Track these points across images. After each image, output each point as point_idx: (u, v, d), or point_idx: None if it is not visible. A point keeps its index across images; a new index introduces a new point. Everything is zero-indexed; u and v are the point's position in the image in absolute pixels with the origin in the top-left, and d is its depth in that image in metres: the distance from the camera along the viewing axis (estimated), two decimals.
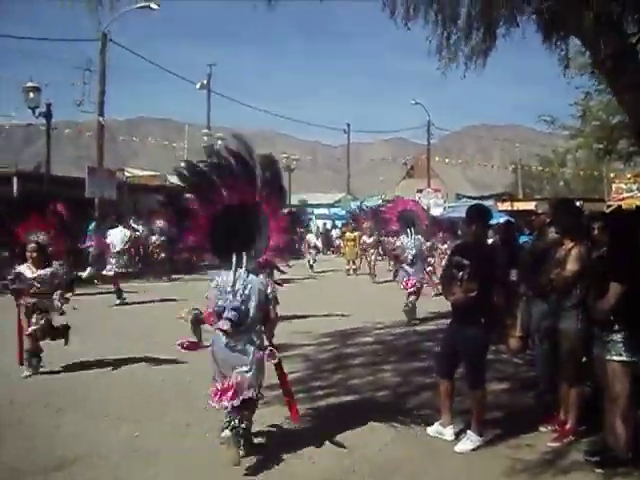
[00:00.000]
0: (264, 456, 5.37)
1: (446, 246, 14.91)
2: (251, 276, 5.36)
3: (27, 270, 8.10)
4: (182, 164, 5.81)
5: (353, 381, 7.86)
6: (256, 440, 5.64)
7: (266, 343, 5.48)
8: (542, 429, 5.96)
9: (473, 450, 5.52)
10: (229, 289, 5.28)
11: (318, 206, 48.40)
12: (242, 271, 5.35)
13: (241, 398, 5.17)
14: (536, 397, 6.70)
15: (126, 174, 33.28)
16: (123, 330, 11.48)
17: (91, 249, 22.91)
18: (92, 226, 23.36)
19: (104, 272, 16.50)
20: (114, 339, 10.53)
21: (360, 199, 40.66)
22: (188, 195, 5.72)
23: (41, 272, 8.09)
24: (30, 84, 21.12)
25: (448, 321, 6.14)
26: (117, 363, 8.63)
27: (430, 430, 5.92)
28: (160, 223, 21.73)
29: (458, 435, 5.76)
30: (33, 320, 8.08)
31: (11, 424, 6.21)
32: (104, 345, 9.94)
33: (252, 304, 5.30)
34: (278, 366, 5.71)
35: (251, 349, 5.30)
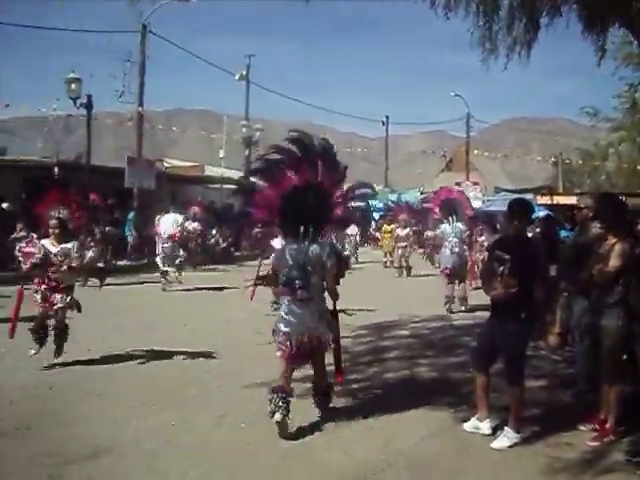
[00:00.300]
0: (297, 446, 5.37)
1: (483, 238, 14.71)
2: (314, 246, 5.99)
3: (50, 245, 8.03)
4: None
5: (389, 374, 7.81)
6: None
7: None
8: (581, 428, 5.84)
9: (510, 447, 5.43)
10: (292, 261, 5.94)
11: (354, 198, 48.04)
12: (306, 243, 6.00)
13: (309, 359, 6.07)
14: (575, 395, 6.58)
15: (165, 164, 33.57)
16: (165, 319, 11.59)
17: (130, 239, 23.23)
18: (131, 215, 23.65)
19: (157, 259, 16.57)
20: (156, 328, 10.62)
21: (398, 192, 40.45)
22: (257, 179, 6.57)
23: (64, 246, 8.03)
24: (72, 75, 21.36)
25: (486, 315, 6.06)
26: (158, 352, 8.69)
27: (467, 425, 5.85)
28: (195, 210, 21.73)
29: (495, 431, 5.67)
30: (58, 297, 8.02)
31: (49, 411, 6.29)
32: (145, 334, 10.04)
33: (316, 272, 5.94)
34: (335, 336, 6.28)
35: (317, 315, 5.98)
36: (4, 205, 19.50)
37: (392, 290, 16.02)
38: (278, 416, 5.55)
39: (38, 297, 8.04)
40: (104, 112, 32.47)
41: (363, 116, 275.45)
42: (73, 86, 21.58)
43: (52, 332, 8.13)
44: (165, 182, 27.93)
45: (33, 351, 8.00)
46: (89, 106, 22.45)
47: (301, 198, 6.14)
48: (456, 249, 12.81)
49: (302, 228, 6.03)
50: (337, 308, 6.36)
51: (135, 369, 7.93)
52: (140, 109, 25.65)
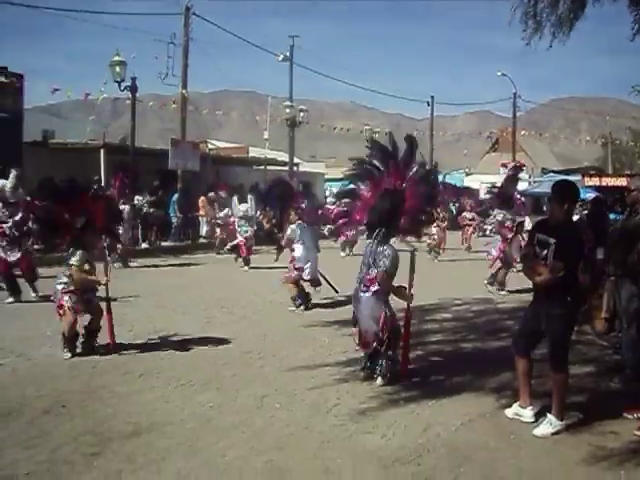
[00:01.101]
0: (336, 430, 5.35)
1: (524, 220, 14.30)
2: (382, 248, 6.64)
3: None
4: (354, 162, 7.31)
5: (430, 358, 7.74)
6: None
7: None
8: (627, 416, 5.69)
9: (553, 435, 5.32)
10: (365, 260, 6.73)
11: None
12: (375, 243, 6.68)
13: (373, 346, 6.66)
14: (622, 382, 6.43)
15: (209, 146, 33.74)
16: (207, 300, 11.67)
17: (174, 220, 23.45)
18: (175, 197, 23.86)
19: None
20: (197, 309, 10.71)
21: (443, 173, 40.04)
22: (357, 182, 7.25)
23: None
24: (116, 58, 21.52)
25: (529, 299, 5.94)
26: (199, 333, 8.74)
27: (508, 411, 5.75)
28: (223, 194, 21.67)
29: (537, 418, 5.57)
30: (65, 298, 7.77)
31: (91, 389, 6.38)
32: (186, 315, 10.13)
33: (381, 272, 6.60)
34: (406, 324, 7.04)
35: (381, 310, 6.65)
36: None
37: (434, 273, 15.83)
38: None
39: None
40: (149, 94, 32.77)
41: (409, 97, 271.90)
42: (118, 69, 21.75)
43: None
44: (209, 164, 28.08)
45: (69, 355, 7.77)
46: (133, 89, 22.62)
47: (384, 201, 6.73)
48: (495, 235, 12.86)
49: (379, 229, 6.68)
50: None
51: (175, 349, 7.98)
52: (184, 91, 25.76)
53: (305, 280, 11.13)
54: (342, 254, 19.95)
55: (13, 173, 11.30)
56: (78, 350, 7.73)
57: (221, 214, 20.20)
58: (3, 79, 20.82)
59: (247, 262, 16.76)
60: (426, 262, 19.25)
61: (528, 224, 13.29)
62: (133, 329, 8.81)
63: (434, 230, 19.11)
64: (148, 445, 5.04)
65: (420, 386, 6.57)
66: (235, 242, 17.14)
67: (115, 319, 8.07)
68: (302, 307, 10.84)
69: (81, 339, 7.83)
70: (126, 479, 4.45)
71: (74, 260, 7.62)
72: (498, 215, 13.06)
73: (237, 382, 6.70)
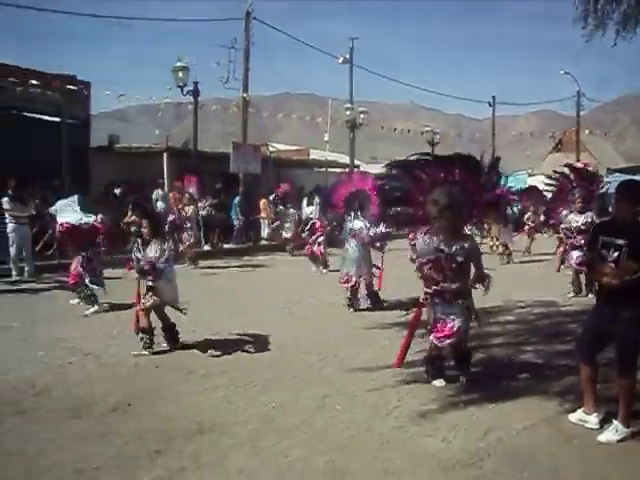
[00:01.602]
0: (396, 432, 5.36)
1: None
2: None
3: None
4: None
5: (491, 361, 7.66)
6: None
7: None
8: None
9: (619, 442, 5.20)
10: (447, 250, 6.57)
11: None
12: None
13: (451, 340, 6.62)
14: None
15: (270, 149, 34.04)
16: (268, 301, 11.80)
17: (236, 222, 23.75)
18: (237, 200, 24.16)
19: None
20: (258, 310, 10.83)
21: (506, 174, 39.49)
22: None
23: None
24: (179, 64, 21.95)
25: (593, 302, 5.83)
26: (259, 334, 8.84)
27: (572, 417, 5.65)
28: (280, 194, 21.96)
29: (602, 424, 5.45)
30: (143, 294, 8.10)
31: (155, 388, 6.54)
32: (247, 316, 10.26)
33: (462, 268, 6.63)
34: None
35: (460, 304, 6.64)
36: (117, 191, 20.30)
37: (496, 274, 15.59)
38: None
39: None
40: (211, 99, 33.24)
41: (470, 97, 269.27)
42: (180, 74, 22.21)
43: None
44: (270, 166, 28.34)
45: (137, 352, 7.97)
46: (196, 93, 23.02)
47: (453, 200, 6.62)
48: None
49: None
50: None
51: (237, 350, 8.09)
52: (245, 95, 26.08)
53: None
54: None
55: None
56: (157, 348, 8.00)
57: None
58: (72, 87, 21.42)
59: (324, 264, 16.75)
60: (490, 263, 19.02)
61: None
62: (196, 329, 8.97)
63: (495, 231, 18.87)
64: (211, 444, 5.14)
65: (481, 389, 6.51)
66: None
67: (178, 320, 8.25)
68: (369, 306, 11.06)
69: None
70: (189, 477, 4.55)
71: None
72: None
73: (298, 383, 6.76)
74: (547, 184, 14.07)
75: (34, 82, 19.94)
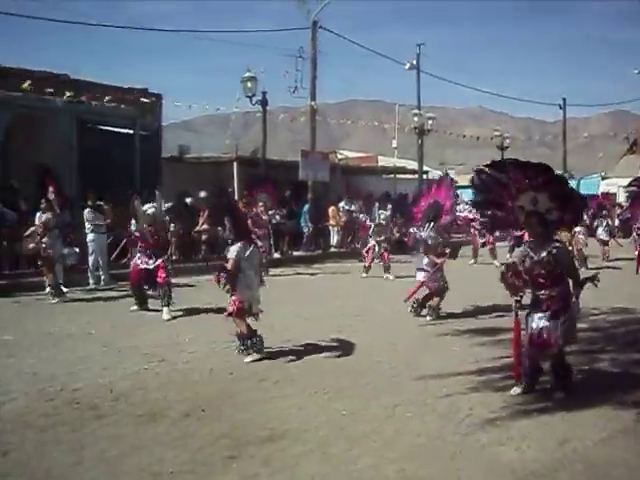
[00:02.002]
0: (468, 441, 5.31)
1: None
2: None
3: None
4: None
5: None
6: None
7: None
8: None
9: None
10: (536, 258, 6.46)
11: None
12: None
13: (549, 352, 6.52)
14: None
15: (338, 156, 34.15)
16: (338, 308, 11.85)
17: (305, 230, 23.91)
18: (306, 208, 24.33)
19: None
20: (329, 317, 10.88)
21: (577, 177, 38.63)
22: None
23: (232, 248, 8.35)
24: (247, 74, 22.30)
25: None
26: (331, 341, 8.91)
27: None
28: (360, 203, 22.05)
29: None
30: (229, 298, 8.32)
31: (230, 395, 6.64)
32: (319, 323, 10.32)
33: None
34: None
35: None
36: (188, 200, 20.71)
37: None
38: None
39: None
40: (279, 107, 33.57)
41: (539, 100, 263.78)
42: (249, 84, 22.56)
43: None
44: (339, 174, 28.44)
45: (250, 359, 8.06)
46: (264, 102, 23.32)
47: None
48: None
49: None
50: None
51: (309, 357, 8.16)
52: (313, 103, 26.25)
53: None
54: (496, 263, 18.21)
55: (158, 194, 11.82)
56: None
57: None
58: (144, 99, 22.01)
59: (387, 269, 16.78)
60: None
61: None
62: (268, 337, 9.06)
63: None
64: (283, 450, 5.19)
65: (554, 398, 6.40)
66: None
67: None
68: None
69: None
70: None
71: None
72: None
73: (369, 391, 6.77)
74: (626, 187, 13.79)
75: (109, 97, 20.56)
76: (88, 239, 15.21)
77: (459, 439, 5.38)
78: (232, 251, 8.26)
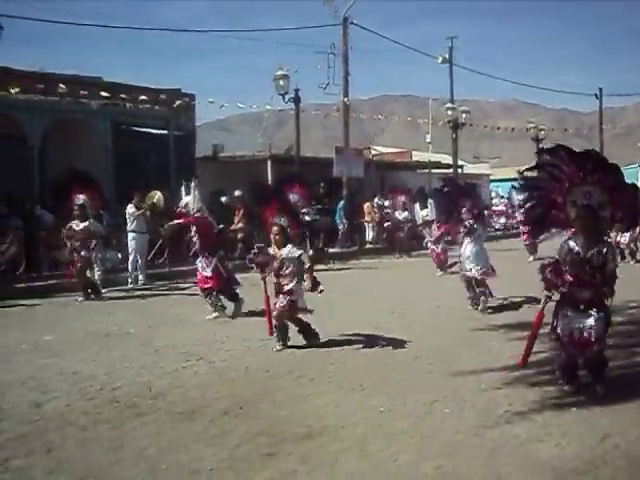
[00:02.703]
0: (506, 437, 5.26)
1: None
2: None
3: (271, 251, 8.55)
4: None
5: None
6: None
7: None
8: None
9: None
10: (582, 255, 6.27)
11: None
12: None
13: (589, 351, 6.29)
14: None
15: (372, 152, 34.11)
16: (375, 305, 11.84)
17: (340, 226, 23.90)
18: (341, 204, 24.33)
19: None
20: (366, 314, 10.88)
21: None
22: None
23: (283, 251, 8.41)
24: (280, 72, 22.39)
25: None
26: (368, 337, 8.90)
27: None
28: (403, 199, 21.94)
29: None
30: (280, 299, 8.43)
31: (268, 393, 6.66)
32: (356, 320, 10.31)
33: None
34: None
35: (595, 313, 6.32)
36: (223, 199, 20.84)
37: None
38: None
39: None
40: (311, 104, 33.60)
41: (575, 90, 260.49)
42: (281, 82, 22.64)
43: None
44: (373, 170, 28.39)
45: (277, 347, 8.48)
46: (297, 100, 23.36)
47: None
48: None
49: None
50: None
51: (346, 354, 8.16)
52: (345, 99, 26.24)
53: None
54: (530, 259, 18.37)
55: (194, 184, 11.52)
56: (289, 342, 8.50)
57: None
58: (178, 100, 22.20)
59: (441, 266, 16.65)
60: None
61: None
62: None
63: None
64: (321, 447, 5.20)
65: (593, 392, 6.31)
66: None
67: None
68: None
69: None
70: (301, 479, 4.62)
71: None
72: None
73: (406, 387, 6.74)
74: None
75: (143, 97, 20.78)
76: (129, 238, 15.42)
77: (498, 435, 5.33)
78: (296, 248, 8.51)
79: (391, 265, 18.58)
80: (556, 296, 6.52)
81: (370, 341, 8.71)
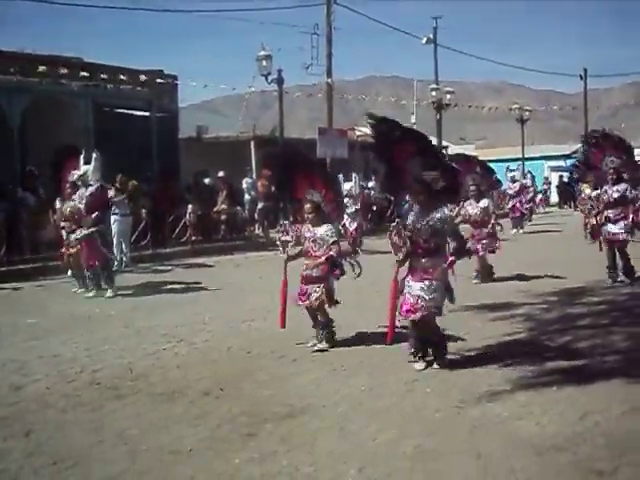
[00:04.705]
0: (488, 416, 5.27)
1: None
2: None
3: (306, 230, 7.55)
4: None
5: (580, 344, 7.43)
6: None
7: None
8: None
9: None
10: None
11: (553, 158, 46.33)
12: None
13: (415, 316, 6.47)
14: None
15: (357, 133, 33.99)
16: (364, 286, 11.79)
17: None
18: None
19: None
20: (353, 294, 10.80)
21: None
22: None
23: (317, 231, 7.47)
24: (262, 53, 22.21)
25: None
26: (347, 321, 8.83)
27: None
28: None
29: None
30: (309, 288, 7.52)
31: (249, 373, 6.65)
32: (346, 300, 10.26)
33: None
34: None
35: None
36: (206, 180, 20.75)
37: (580, 256, 14.94)
38: None
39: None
40: (296, 86, 33.44)
41: (560, 71, 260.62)
42: (264, 63, 22.47)
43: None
44: (358, 151, 28.30)
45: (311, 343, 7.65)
46: (280, 81, 23.20)
47: None
48: None
49: None
50: None
51: (337, 335, 8.06)
52: (329, 80, 26.09)
53: None
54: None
55: (95, 156, 11.57)
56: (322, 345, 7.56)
57: None
58: (160, 81, 22.01)
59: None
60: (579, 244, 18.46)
61: None
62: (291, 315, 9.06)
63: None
64: (301, 427, 5.19)
65: (573, 371, 6.34)
66: None
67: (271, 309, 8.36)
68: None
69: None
70: (280, 459, 4.61)
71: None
72: None
73: (388, 367, 6.73)
74: None
75: (124, 78, 20.57)
76: (111, 221, 15.22)
77: (478, 414, 5.34)
78: (333, 232, 7.50)
79: (377, 246, 18.49)
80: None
81: (352, 321, 8.66)
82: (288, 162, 8.06)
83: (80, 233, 11.33)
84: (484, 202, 11.99)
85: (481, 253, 11.74)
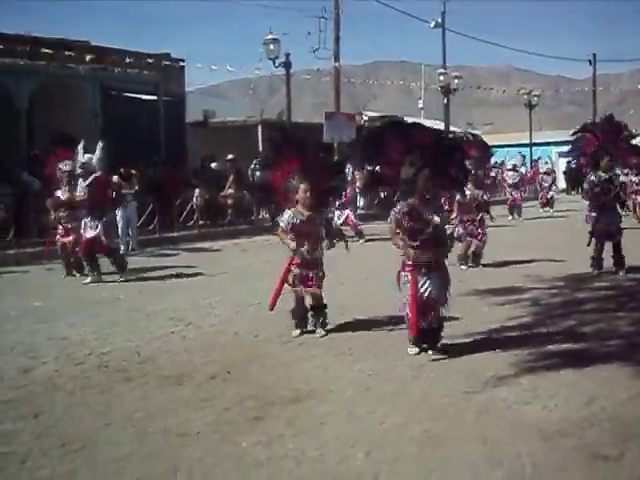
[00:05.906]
0: (494, 401, 5.28)
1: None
2: None
3: (298, 214, 7.42)
4: None
5: (585, 328, 7.44)
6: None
7: None
8: None
9: None
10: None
11: (562, 143, 46.12)
12: None
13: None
14: None
15: (364, 117, 33.87)
16: (369, 273, 11.83)
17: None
18: None
19: None
20: (359, 280, 10.85)
21: None
22: None
23: (312, 214, 7.41)
24: (270, 36, 22.13)
25: None
26: (354, 306, 8.85)
27: None
28: None
29: None
30: (311, 274, 7.50)
31: (256, 357, 6.67)
32: (344, 287, 10.29)
33: None
34: None
35: None
36: (213, 165, 20.74)
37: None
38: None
39: (291, 279, 7.44)
40: (303, 70, 33.32)
41: (569, 56, 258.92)
42: (272, 47, 22.41)
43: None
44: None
45: (297, 332, 7.53)
46: (287, 65, 23.12)
47: None
48: None
49: None
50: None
51: (334, 320, 8.10)
52: (337, 64, 26.01)
53: None
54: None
55: (100, 145, 11.67)
56: (310, 327, 7.56)
57: None
58: (167, 63, 21.96)
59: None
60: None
61: None
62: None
63: None
64: (308, 411, 5.21)
65: (579, 356, 6.34)
66: None
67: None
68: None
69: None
70: (287, 443, 4.63)
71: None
72: None
73: (395, 351, 6.73)
74: None
75: (131, 62, 20.53)
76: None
77: (485, 399, 5.34)
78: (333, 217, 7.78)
79: (384, 232, 18.53)
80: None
81: (358, 306, 8.69)
82: (288, 143, 7.80)
83: (91, 222, 11.31)
84: (478, 192, 11.99)
85: (469, 239, 11.81)
